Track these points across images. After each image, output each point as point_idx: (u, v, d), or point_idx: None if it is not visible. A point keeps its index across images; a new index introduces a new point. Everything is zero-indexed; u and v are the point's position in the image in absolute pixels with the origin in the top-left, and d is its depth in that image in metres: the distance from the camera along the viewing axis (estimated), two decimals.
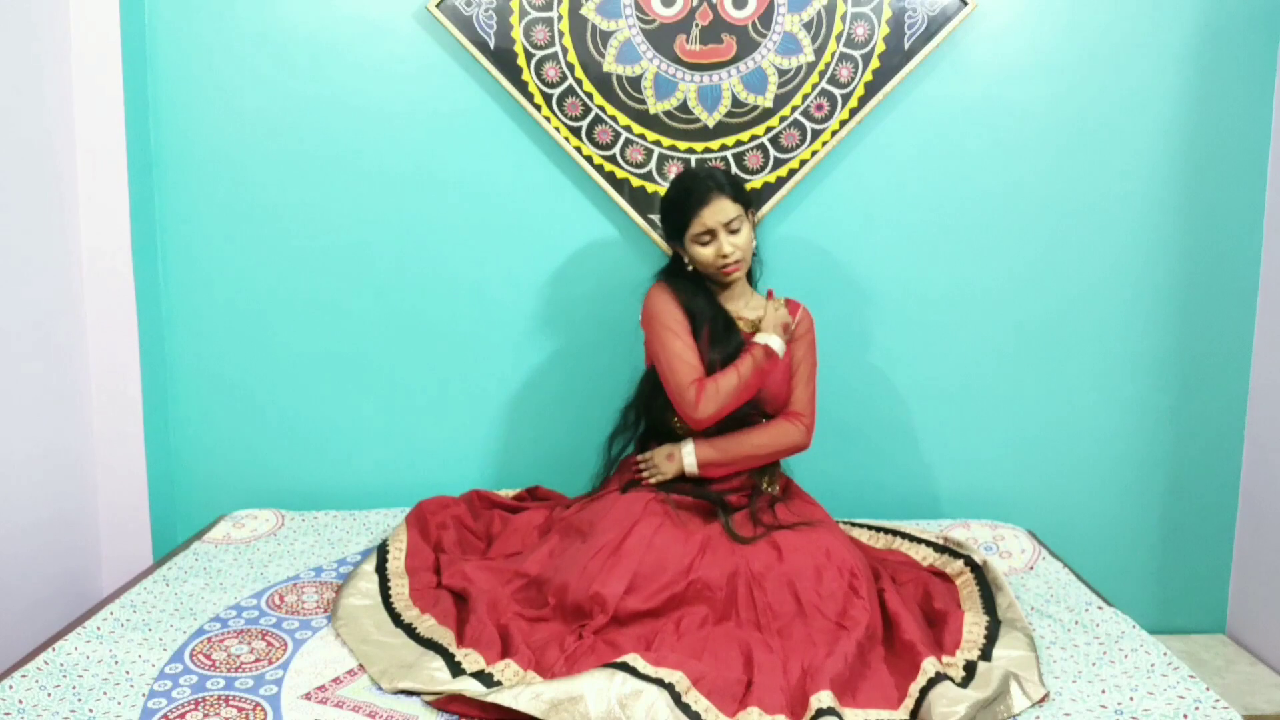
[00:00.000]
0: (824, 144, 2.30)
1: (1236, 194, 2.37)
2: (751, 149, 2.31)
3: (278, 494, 2.44)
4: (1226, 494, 2.48)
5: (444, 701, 1.46)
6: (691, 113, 2.30)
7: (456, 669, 1.54)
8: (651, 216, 2.31)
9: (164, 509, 2.41)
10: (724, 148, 2.31)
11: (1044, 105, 2.33)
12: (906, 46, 2.26)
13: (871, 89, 2.28)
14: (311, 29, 2.30)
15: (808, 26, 2.27)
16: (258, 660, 1.60)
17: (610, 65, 2.27)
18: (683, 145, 2.31)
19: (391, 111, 2.33)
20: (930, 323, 2.41)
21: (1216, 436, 2.46)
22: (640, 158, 2.31)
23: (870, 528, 2.18)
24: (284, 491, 2.44)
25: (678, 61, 2.28)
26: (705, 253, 1.94)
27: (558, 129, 2.29)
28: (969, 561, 1.93)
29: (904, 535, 2.11)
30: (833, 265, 2.38)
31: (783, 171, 2.32)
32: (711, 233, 1.92)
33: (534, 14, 2.25)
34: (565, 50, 2.27)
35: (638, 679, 1.45)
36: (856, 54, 2.28)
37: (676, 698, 1.44)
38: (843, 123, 2.30)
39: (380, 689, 1.51)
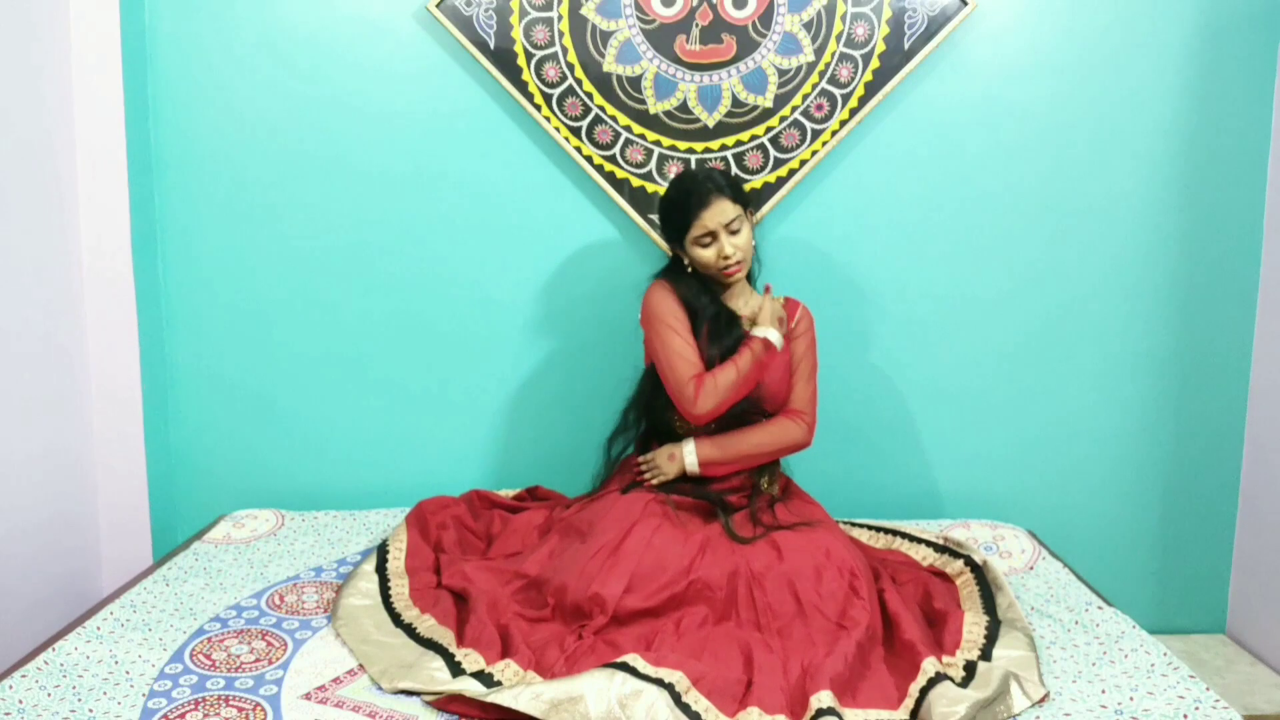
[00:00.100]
0: (824, 144, 2.31)
1: (1236, 194, 2.37)
2: (751, 149, 2.31)
3: (278, 494, 2.44)
4: (1226, 494, 2.48)
5: (444, 701, 1.46)
6: (691, 113, 2.30)
7: (456, 669, 1.54)
8: (651, 216, 2.31)
9: (164, 509, 2.41)
10: (724, 148, 2.31)
11: (1044, 105, 2.34)
12: (906, 46, 2.26)
13: (871, 89, 2.28)
14: (311, 29, 2.30)
15: (808, 26, 2.27)
16: (258, 660, 1.60)
17: (610, 65, 2.27)
18: (683, 145, 2.31)
19: (391, 112, 2.33)
20: (930, 323, 2.41)
21: (1216, 436, 2.46)
22: (640, 158, 2.31)
23: (870, 528, 2.18)
24: (284, 491, 2.44)
25: (678, 61, 2.28)
26: (706, 254, 1.94)
27: (558, 129, 2.29)
28: (969, 561, 1.93)
29: (904, 535, 2.11)
30: (833, 265, 2.38)
31: (783, 171, 2.32)
32: (712, 234, 1.92)
33: (534, 14, 2.25)
34: (565, 50, 2.27)
35: (638, 679, 1.45)
36: (856, 54, 2.28)
37: (676, 698, 1.44)
38: (843, 123, 2.30)
39: (380, 689, 1.51)
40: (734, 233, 1.93)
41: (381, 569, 1.90)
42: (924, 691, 1.47)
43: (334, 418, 2.43)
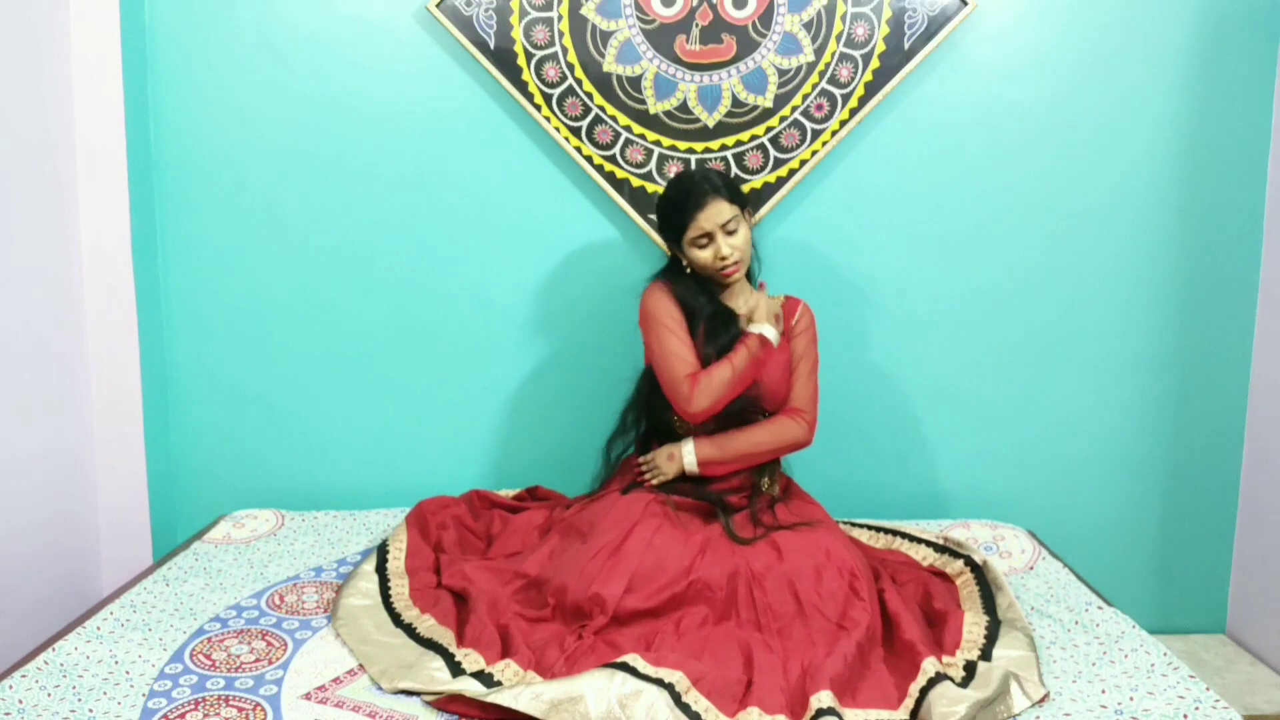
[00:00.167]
0: (824, 144, 2.31)
1: (1236, 194, 2.37)
2: (751, 149, 2.31)
3: (278, 494, 2.44)
4: (1226, 494, 2.48)
5: (444, 701, 1.46)
6: (691, 113, 2.30)
7: (456, 669, 1.54)
8: (651, 216, 2.31)
9: (164, 509, 2.41)
10: (724, 148, 2.31)
11: (1044, 105, 2.34)
12: (906, 46, 2.26)
13: (871, 89, 2.28)
14: (311, 29, 2.30)
15: (808, 26, 2.27)
16: (258, 660, 1.60)
17: (610, 65, 2.27)
18: (683, 145, 2.31)
19: (391, 111, 2.33)
20: (930, 323, 2.41)
21: (1216, 436, 2.46)
22: (640, 158, 2.31)
23: (870, 528, 2.18)
24: (284, 491, 2.44)
25: (678, 61, 2.28)
26: (704, 255, 1.94)
27: (558, 129, 2.29)
28: (969, 561, 1.93)
29: (904, 535, 2.11)
30: (833, 265, 2.38)
31: (783, 171, 2.32)
32: (709, 235, 1.92)
33: (534, 14, 2.25)
34: (565, 50, 2.27)
35: (638, 679, 1.45)
36: (856, 54, 2.28)
37: (676, 698, 1.44)
38: (843, 123, 2.30)
39: (380, 689, 1.51)
40: (731, 233, 1.93)
41: (381, 569, 1.90)
42: (924, 691, 1.47)
43: (334, 418, 2.43)
